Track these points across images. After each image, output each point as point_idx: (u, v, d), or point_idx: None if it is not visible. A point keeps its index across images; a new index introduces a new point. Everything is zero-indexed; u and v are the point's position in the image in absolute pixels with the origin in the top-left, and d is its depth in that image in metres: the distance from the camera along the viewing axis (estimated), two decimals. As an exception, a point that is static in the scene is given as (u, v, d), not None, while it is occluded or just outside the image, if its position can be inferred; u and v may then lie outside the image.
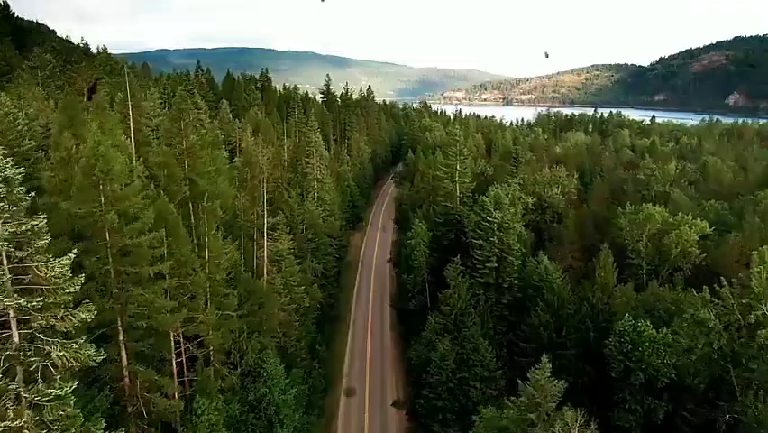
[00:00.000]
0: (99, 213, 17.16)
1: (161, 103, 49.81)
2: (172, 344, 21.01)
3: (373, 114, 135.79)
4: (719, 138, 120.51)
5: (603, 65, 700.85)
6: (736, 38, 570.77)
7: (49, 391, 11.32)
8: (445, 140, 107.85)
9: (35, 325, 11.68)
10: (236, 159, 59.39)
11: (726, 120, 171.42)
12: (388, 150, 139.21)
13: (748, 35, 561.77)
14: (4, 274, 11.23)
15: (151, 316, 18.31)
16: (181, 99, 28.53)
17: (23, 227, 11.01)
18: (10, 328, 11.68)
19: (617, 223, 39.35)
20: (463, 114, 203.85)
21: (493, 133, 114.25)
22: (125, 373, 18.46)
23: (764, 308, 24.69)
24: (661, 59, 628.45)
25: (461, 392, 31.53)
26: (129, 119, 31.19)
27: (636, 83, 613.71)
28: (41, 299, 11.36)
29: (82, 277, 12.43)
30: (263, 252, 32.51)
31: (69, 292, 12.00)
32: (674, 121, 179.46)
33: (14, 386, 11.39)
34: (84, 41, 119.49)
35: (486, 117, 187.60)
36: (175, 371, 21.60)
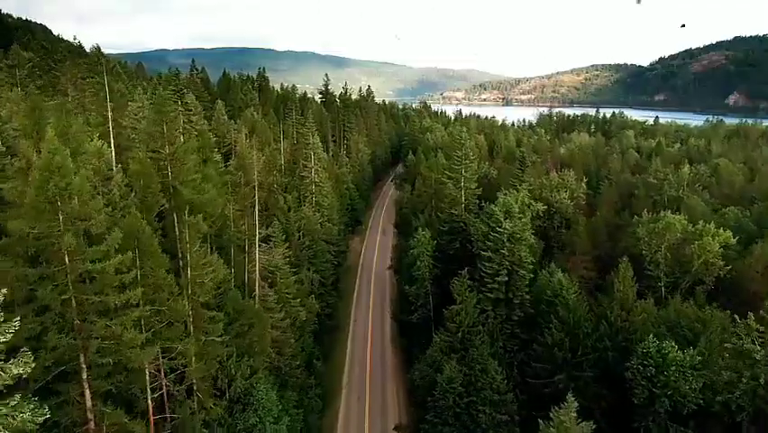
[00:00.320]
0: (57, 233, 14.72)
1: (151, 104, 47.18)
2: (147, 378, 18.55)
3: (373, 114, 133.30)
4: (726, 139, 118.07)
5: (603, 65, 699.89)
6: (735, 38, 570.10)
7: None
8: (447, 141, 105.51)
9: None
10: (230, 162, 56.93)
11: (731, 120, 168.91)
12: (388, 151, 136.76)
13: (748, 35, 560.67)
14: None
15: (120, 351, 15.86)
16: (162, 101, 25.99)
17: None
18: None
19: (635, 232, 36.87)
20: (463, 114, 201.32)
21: (495, 134, 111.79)
22: (90, 415, 16.00)
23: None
24: (660, 59, 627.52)
25: (469, 418, 29.07)
26: (109, 122, 28.67)
27: (636, 83, 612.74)
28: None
29: (15, 323, 9.97)
30: (255, 265, 29.99)
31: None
32: (678, 121, 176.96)
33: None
34: (77, 40, 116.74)
35: (486, 118, 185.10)
36: (151, 408, 19.12)
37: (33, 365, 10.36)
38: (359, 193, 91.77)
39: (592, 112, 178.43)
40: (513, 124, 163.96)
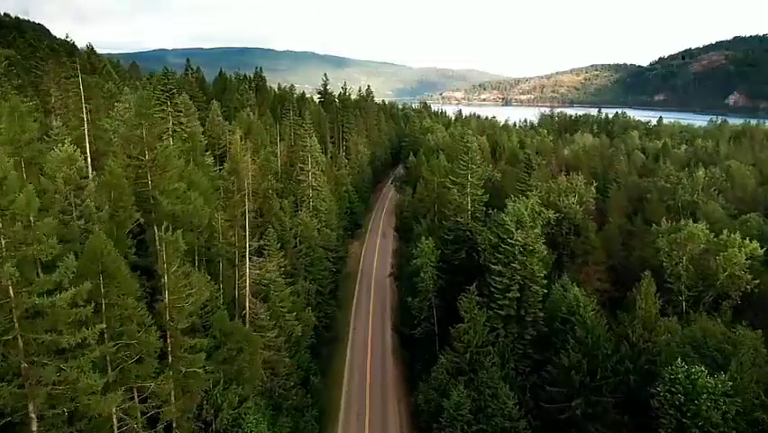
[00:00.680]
0: (-3, 262, 12.30)
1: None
2: (115, 423, 16.06)
3: (372, 114, 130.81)
4: (732, 140, 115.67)
5: (602, 65, 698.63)
6: (735, 38, 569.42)
7: None
8: (448, 142, 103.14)
9: None
10: (224, 166, 54.45)
11: (735, 121, 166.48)
12: (388, 152, 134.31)
13: (748, 35, 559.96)
14: None
15: (76, 397, 13.43)
16: (143, 102, 23.41)
17: None
18: None
19: (655, 242, 34.41)
20: (463, 114, 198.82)
21: (498, 135, 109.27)
22: (43, 472, 13.59)
23: None
24: (660, 59, 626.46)
25: (478, 447, 26.63)
26: (85, 125, 26.14)
27: (636, 83, 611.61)
28: None
29: None
30: (245, 281, 27.51)
31: None
32: (681, 122, 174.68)
33: None
34: (69, 39, 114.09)
35: (487, 118, 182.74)
36: (119, 455, 16.68)
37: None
38: (358, 195, 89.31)
39: (593, 112, 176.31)
40: (515, 125, 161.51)
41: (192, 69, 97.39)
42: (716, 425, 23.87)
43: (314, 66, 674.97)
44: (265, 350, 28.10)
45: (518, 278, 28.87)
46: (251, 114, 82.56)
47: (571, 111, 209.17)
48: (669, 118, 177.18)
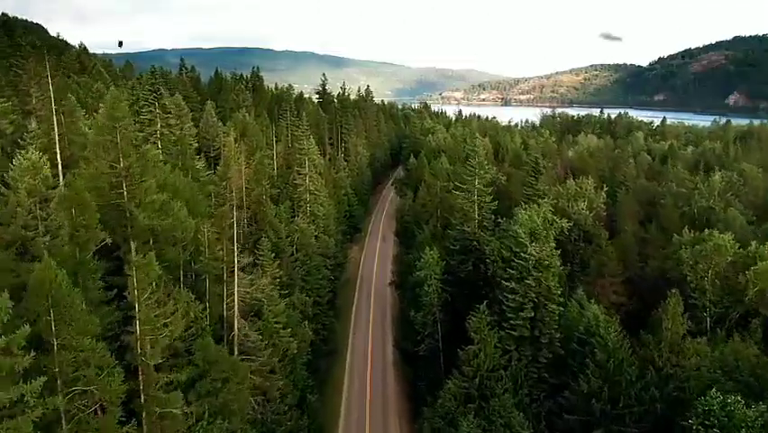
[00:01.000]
0: None
1: (129, 107, 42.10)
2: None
3: (372, 115, 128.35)
4: (738, 141, 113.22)
5: (602, 65, 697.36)
6: (735, 38, 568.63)
7: None
8: (450, 144, 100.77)
9: None
10: (218, 169, 51.96)
11: (739, 121, 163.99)
12: (388, 153, 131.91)
13: (748, 35, 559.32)
14: None
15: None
16: (115, 103, 20.83)
17: None
18: None
19: (676, 254, 31.96)
20: (463, 114, 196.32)
21: (501, 135, 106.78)
22: None
23: None
24: (660, 59, 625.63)
25: (490, 483, 24.19)
26: (55, 130, 23.60)
27: (635, 83, 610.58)
28: None
29: None
30: (233, 299, 25.02)
31: None
32: (685, 122, 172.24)
33: None
34: (60, 36, 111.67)
35: (488, 118, 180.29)
36: None
37: None
38: (357, 198, 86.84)
39: (595, 112, 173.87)
40: (517, 126, 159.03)
41: (186, 69, 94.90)
42: (755, 462, 21.49)
43: (313, 66, 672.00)
44: (255, 375, 25.60)
45: (533, 295, 26.42)
46: (246, 115, 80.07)
47: (571, 111, 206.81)
48: (669, 118, 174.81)
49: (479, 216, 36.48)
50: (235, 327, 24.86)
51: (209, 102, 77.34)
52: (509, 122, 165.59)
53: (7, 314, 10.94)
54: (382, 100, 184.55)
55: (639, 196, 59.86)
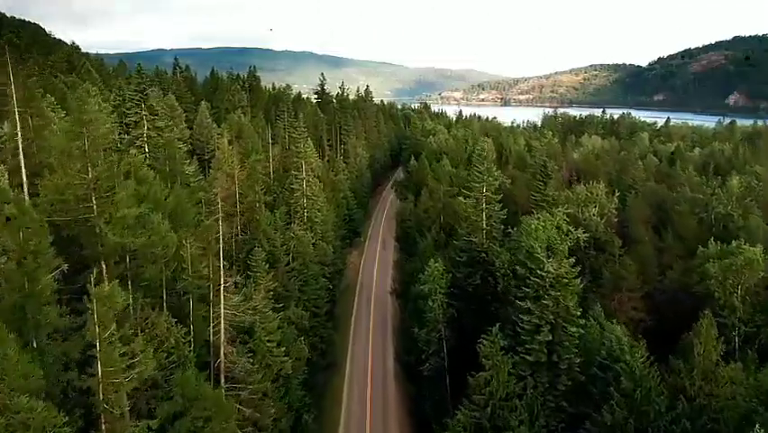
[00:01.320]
0: None
1: (113, 110, 39.61)
2: None
3: (371, 115, 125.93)
4: (746, 142, 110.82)
5: (601, 65, 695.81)
6: (735, 38, 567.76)
7: None
8: (452, 145, 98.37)
9: None
10: (209, 175, 49.42)
11: (744, 122, 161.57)
12: (388, 154, 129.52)
13: (747, 35, 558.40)
14: None
15: None
16: (81, 105, 18.18)
17: None
18: None
19: (703, 267, 29.52)
20: (463, 114, 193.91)
21: (504, 137, 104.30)
22: None
23: None
24: (659, 59, 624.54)
25: None
26: (18, 138, 21.03)
27: (635, 83, 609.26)
28: None
29: None
30: (219, 323, 22.52)
31: None
32: (689, 123, 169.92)
33: None
34: (53, 35, 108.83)
35: (488, 119, 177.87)
36: None
37: None
38: (357, 201, 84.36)
39: (595, 112, 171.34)
40: (519, 126, 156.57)
41: (180, 68, 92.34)
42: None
43: (312, 66, 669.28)
44: (245, 405, 23.10)
45: (550, 317, 23.97)
46: (242, 116, 77.58)
47: (571, 111, 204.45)
48: (674, 119, 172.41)
49: (487, 225, 34.00)
50: (221, 353, 22.36)
51: (203, 102, 74.93)
52: (512, 122, 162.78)
53: None
54: (381, 100, 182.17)
55: (649, 200, 57.42)
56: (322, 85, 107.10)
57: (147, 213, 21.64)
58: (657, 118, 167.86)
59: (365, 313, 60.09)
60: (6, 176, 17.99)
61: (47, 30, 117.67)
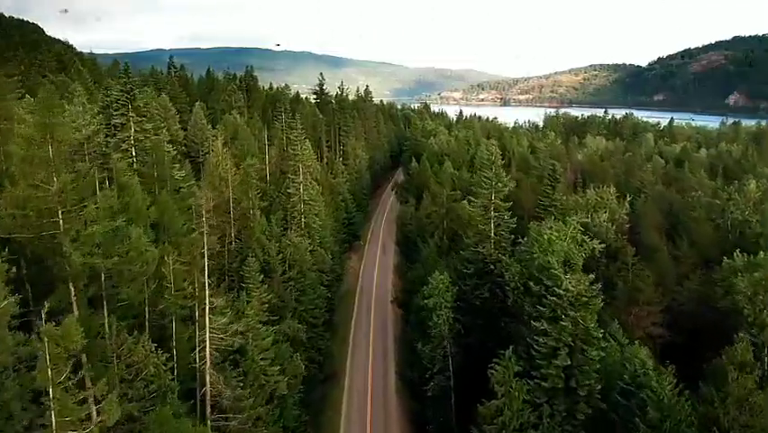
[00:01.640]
0: None
1: (99, 111, 37.41)
2: None
3: (371, 116, 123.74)
4: (753, 143, 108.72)
5: (601, 65, 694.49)
6: (735, 38, 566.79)
7: None
8: (454, 147, 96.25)
9: None
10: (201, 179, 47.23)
11: (748, 122, 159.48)
12: (388, 155, 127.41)
13: (747, 35, 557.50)
14: None
15: None
16: (47, 106, 16.00)
17: None
18: None
19: (729, 280, 27.43)
20: (464, 114, 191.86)
21: (507, 138, 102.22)
22: None
23: None
24: (659, 59, 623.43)
25: None
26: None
27: (635, 83, 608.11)
28: None
29: None
30: (205, 348, 20.38)
31: None
32: (692, 123, 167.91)
33: None
34: (48, 34, 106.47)
35: (488, 119, 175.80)
36: None
37: None
38: (356, 204, 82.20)
39: (595, 112, 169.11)
40: (521, 127, 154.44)
41: (175, 68, 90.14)
42: None
43: (311, 66, 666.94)
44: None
45: (569, 339, 21.85)
46: (238, 117, 75.43)
47: (572, 111, 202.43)
48: (677, 120, 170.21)
49: (495, 234, 31.83)
50: (207, 382, 20.21)
51: (198, 103, 72.80)
52: (515, 122, 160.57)
53: None
54: (381, 100, 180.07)
55: (659, 204, 55.36)
56: (321, 85, 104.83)
57: (125, 226, 19.49)
58: (657, 118, 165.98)
59: (365, 320, 58.17)
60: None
61: (49, 30, 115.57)
